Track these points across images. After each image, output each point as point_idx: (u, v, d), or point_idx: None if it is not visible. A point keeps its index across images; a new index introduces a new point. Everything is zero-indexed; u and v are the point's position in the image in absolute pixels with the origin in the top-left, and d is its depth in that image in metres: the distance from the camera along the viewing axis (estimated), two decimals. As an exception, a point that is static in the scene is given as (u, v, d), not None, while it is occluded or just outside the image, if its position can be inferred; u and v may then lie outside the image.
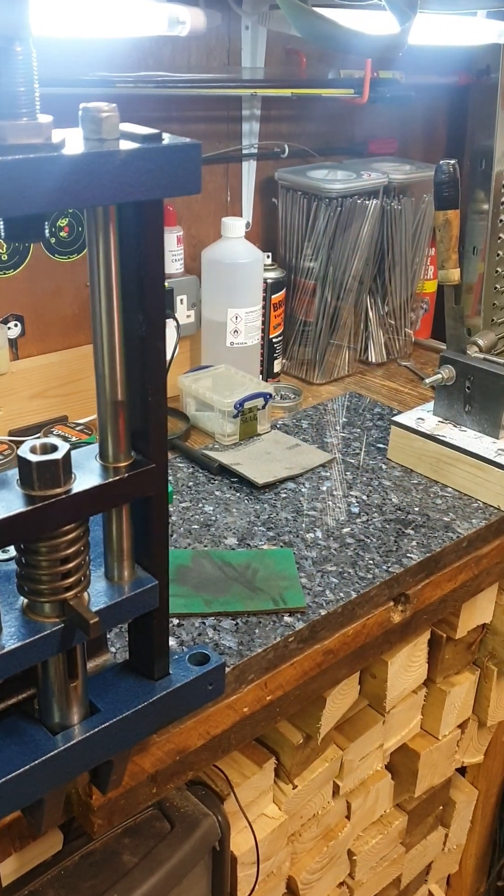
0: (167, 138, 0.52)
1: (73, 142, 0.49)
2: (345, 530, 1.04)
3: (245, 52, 1.36)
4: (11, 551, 0.63)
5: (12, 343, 1.26)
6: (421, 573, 1.00)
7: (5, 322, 1.25)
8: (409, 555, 1.00)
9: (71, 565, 0.59)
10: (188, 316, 1.39)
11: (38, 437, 0.72)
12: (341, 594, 0.93)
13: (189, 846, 0.91)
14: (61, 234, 1.27)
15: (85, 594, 0.61)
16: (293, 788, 1.05)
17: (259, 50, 1.36)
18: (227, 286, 1.33)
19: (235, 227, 1.32)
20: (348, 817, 1.19)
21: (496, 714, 1.34)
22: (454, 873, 1.57)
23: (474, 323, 1.70)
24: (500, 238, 1.67)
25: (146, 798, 0.79)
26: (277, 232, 1.45)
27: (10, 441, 1.19)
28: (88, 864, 0.87)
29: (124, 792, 0.76)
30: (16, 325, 1.26)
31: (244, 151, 1.44)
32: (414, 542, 1.02)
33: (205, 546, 1.01)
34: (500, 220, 1.66)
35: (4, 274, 1.22)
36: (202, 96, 1.34)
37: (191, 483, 1.14)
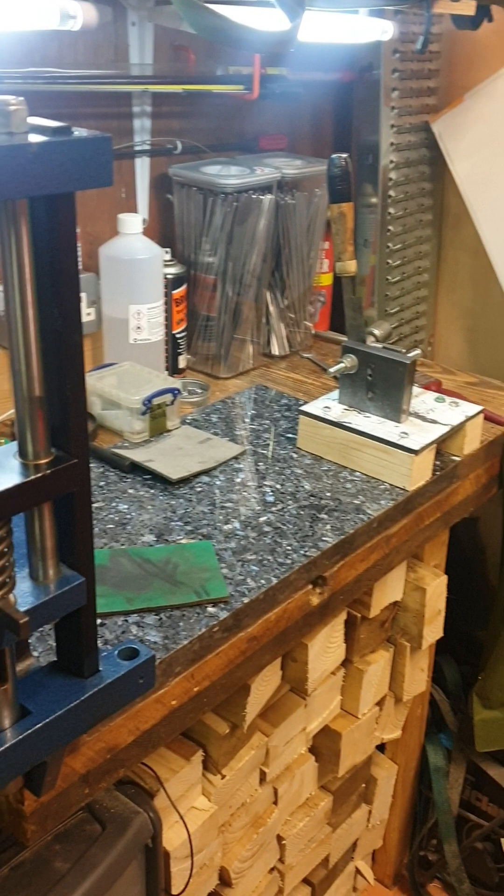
0: (77, 131, 0.52)
1: (-21, 135, 0.48)
2: (261, 519, 1.06)
3: (133, 47, 1.35)
4: None
5: None
6: (336, 555, 1.03)
7: None
8: (324, 538, 1.02)
9: (-4, 567, 0.58)
10: (88, 314, 1.38)
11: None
12: (262, 581, 0.94)
13: (122, 846, 0.90)
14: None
15: (11, 596, 0.60)
16: (221, 779, 1.06)
17: (147, 46, 1.36)
18: (128, 282, 1.32)
19: (132, 223, 1.31)
20: (275, 803, 1.21)
21: (411, 688, 1.38)
22: (379, 848, 1.61)
23: (369, 314, 1.75)
24: (389, 230, 1.72)
25: (79, 799, 0.78)
26: (174, 227, 1.46)
27: None
28: (20, 875, 0.85)
29: (56, 795, 0.75)
30: None
31: (136, 148, 1.44)
32: (328, 526, 1.05)
33: (122, 545, 1.00)
34: (389, 213, 1.71)
35: None
36: (92, 93, 1.33)
37: (102, 483, 1.13)
